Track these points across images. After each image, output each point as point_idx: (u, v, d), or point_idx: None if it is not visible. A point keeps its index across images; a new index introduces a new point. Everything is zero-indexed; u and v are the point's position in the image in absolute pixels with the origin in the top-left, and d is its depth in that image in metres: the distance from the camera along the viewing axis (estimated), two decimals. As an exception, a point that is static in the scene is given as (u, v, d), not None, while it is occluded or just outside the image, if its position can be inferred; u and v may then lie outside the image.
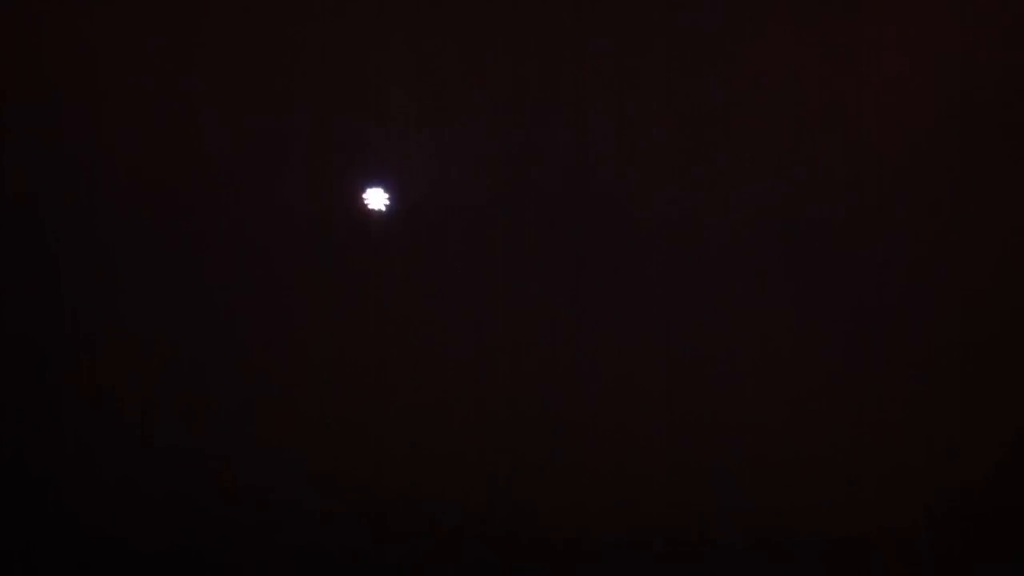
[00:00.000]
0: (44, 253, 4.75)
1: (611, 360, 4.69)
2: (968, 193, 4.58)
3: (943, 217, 4.59)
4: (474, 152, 4.69)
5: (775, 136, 4.62)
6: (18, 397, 4.75)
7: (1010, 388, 4.59)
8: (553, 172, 4.67)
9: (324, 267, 4.73)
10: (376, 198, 4.69)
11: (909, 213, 4.61)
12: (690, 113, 4.64)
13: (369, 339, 4.73)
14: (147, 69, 4.69)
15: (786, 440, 4.65)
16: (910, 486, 4.63)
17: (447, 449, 4.72)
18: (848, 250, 4.63)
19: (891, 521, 4.63)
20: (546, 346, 4.70)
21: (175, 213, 4.72)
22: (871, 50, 4.57)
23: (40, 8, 4.67)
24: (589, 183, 4.67)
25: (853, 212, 4.61)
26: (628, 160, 4.66)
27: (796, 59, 4.61)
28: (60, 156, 4.73)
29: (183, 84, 4.69)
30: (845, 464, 4.64)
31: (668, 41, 4.62)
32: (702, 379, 4.67)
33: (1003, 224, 4.57)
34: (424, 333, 4.72)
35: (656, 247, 4.66)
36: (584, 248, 4.68)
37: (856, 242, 4.62)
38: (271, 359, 4.74)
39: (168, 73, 4.69)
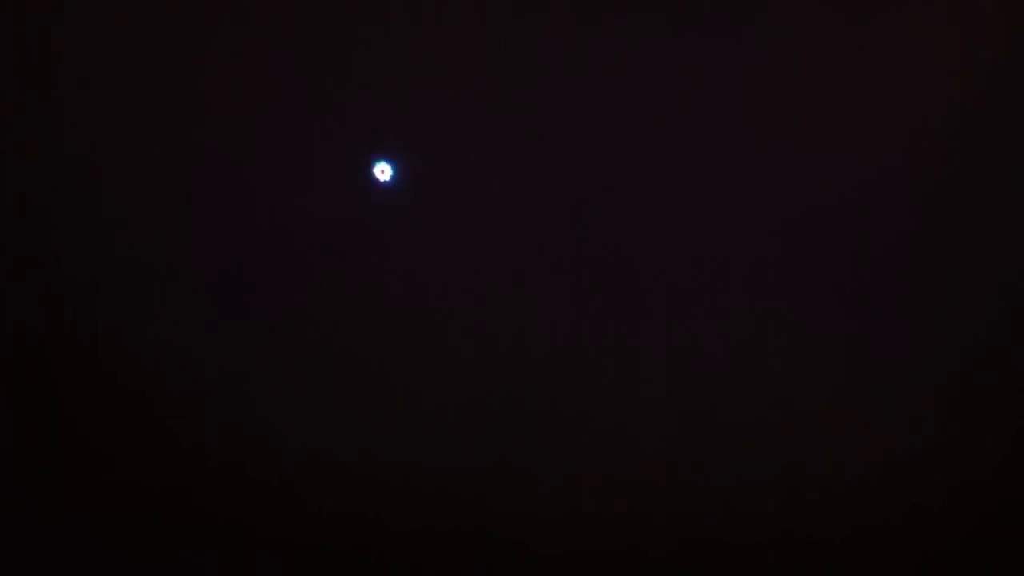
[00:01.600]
0: (47, 248, 4.75)
1: (614, 358, 4.68)
2: (975, 196, 4.58)
3: (948, 219, 4.59)
4: (479, 148, 4.68)
5: (782, 138, 4.62)
6: (27, 398, 4.76)
7: (1012, 390, 4.58)
8: (556, 171, 4.67)
9: (324, 260, 4.73)
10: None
11: (914, 214, 4.60)
12: (693, 110, 4.64)
13: (371, 335, 4.73)
14: (149, 56, 4.70)
15: (789, 441, 4.64)
16: (911, 486, 4.62)
17: (450, 446, 4.72)
18: (851, 253, 4.62)
19: (890, 521, 4.63)
20: (548, 344, 4.69)
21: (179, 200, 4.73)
22: (876, 53, 4.57)
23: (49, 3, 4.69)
24: (594, 180, 4.67)
25: (860, 213, 4.61)
26: (634, 158, 4.66)
27: (802, 63, 4.61)
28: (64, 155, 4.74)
29: (187, 71, 4.70)
30: (849, 465, 4.63)
31: (676, 41, 4.62)
32: (705, 380, 4.66)
33: (1010, 225, 4.57)
34: (424, 329, 4.72)
35: (661, 245, 4.66)
36: (588, 245, 4.67)
37: (860, 245, 4.62)
38: (269, 354, 4.74)
39: (171, 60, 4.70)
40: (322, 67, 4.69)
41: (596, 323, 4.68)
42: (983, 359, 4.59)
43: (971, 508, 4.59)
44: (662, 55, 4.62)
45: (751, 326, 4.64)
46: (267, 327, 4.72)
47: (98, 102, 4.71)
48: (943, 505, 4.60)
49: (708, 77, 4.62)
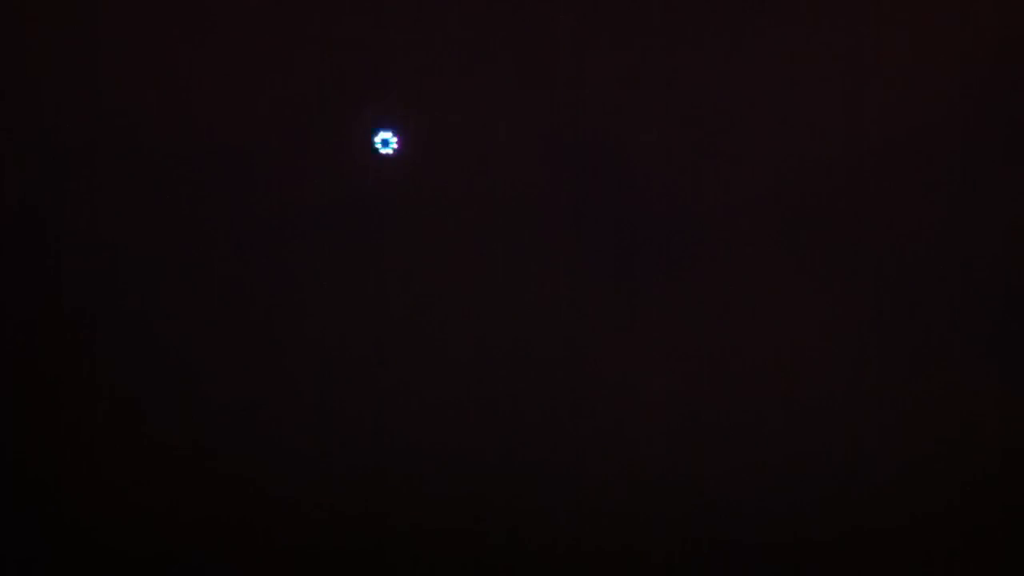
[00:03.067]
0: (45, 243, 4.76)
1: (615, 353, 4.68)
2: (976, 184, 4.58)
3: (948, 211, 4.59)
4: (478, 145, 4.69)
5: (781, 129, 4.62)
6: (24, 391, 4.76)
7: (1013, 388, 4.58)
8: (555, 169, 4.68)
9: (324, 259, 4.73)
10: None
11: (915, 207, 4.60)
12: (693, 107, 4.65)
13: (371, 334, 4.74)
14: (144, 41, 4.71)
15: (792, 439, 4.64)
16: (910, 486, 4.62)
17: (450, 443, 4.71)
18: (852, 246, 4.62)
19: (891, 521, 4.62)
20: (548, 343, 4.69)
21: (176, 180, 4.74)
22: (877, 42, 4.59)
23: None
24: (594, 178, 4.67)
25: (861, 206, 4.61)
26: (633, 155, 4.66)
27: (801, 53, 4.62)
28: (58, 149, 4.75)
29: (181, 57, 4.71)
30: (849, 465, 4.63)
31: (677, 31, 4.63)
32: (705, 380, 4.66)
33: (1011, 220, 4.58)
34: (423, 326, 4.72)
35: (662, 243, 4.66)
36: (588, 244, 4.68)
37: (862, 241, 4.62)
38: (269, 352, 4.74)
39: (167, 46, 4.71)
40: (321, 53, 4.70)
41: (596, 322, 4.68)
42: (984, 357, 4.58)
43: (971, 508, 4.59)
44: (664, 39, 4.63)
45: (751, 325, 4.64)
46: (266, 325, 4.73)
47: (91, 84, 4.73)
48: (943, 505, 4.60)
49: (709, 66, 4.62)
